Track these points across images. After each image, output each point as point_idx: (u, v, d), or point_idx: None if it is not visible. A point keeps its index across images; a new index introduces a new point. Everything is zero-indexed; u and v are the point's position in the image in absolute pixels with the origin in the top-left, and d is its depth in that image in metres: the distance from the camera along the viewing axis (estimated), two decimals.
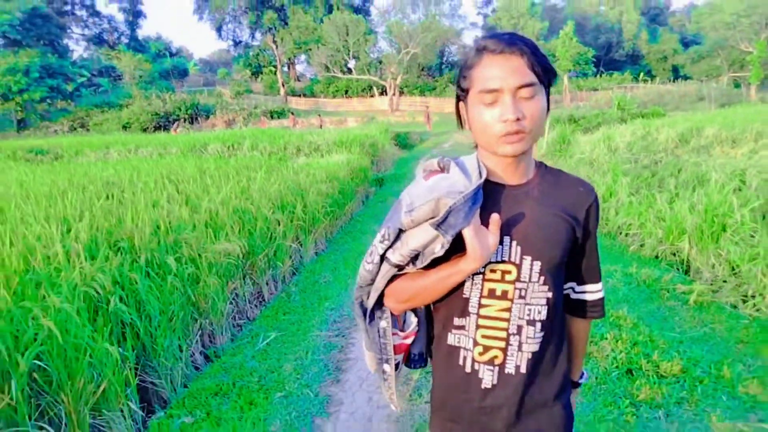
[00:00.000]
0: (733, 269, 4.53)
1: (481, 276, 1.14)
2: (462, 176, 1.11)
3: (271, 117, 37.27)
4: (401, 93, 44.57)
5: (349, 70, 46.62)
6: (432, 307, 1.26)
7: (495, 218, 1.05)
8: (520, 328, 1.14)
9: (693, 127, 13.06)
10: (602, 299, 1.31)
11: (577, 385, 1.41)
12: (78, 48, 54.62)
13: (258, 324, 4.26)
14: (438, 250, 1.08)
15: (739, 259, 4.41)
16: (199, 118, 36.60)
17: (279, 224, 5.46)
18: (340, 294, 4.87)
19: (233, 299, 4.38)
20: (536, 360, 1.16)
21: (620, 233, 6.21)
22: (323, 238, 6.99)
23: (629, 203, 6.41)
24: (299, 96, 48.45)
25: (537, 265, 1.12)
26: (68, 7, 51.78)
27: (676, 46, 56.92)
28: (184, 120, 35.45)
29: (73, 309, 2.72)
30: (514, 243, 1.12)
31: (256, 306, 4.74)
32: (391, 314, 1.26)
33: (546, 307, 1.15)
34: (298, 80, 58.24)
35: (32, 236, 3.41)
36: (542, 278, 1.13)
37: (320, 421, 2.83)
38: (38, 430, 2.52)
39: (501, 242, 1.11)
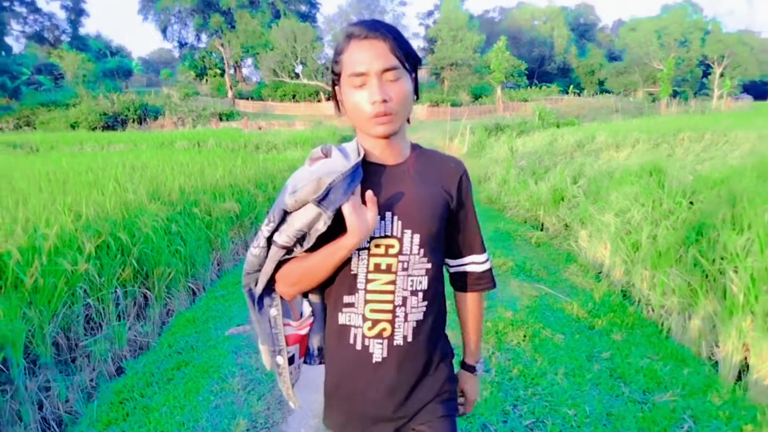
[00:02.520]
0: (565, 225, 6.93)
1: (366, 251, 1.18)
2: (342, 158, 1.17)
3: (220, 119, 38.34)
4: None
5: (297, 75, 48.16)
6: (324, 291, 1.28)
7: (369, 195, 1.13)
8: (405, 299, 1.20)
9: (589, 135, 15.89)
10: (489, 270, 1.35)
11: (471, 368, 1.41)
12: (17, 45, 53.04)
13: None
14: (321, 227, 1.12)
15: (568, 217, 6.81)
16: (147, 119, 37.27)
17: (258, 197, 7.47)
18: None
19: (232, 243, 6.39)
20: (420, 328, 1.23)
21: (506, 208, 8.61)
22: None
23: (513, 187, 8.84)
24: (247, 99, 49.59)
25: (417, 237, 1.19)
26: (7, 3, 50.70)
27: (602, 61, 61.53)
28: (133, 121, 36.06)
29: (156, 228, 4.69)
30: (395, 218, 1.18)
31: (245, 251, 6.73)
32: (283, 303, 1.28)
33: (426, 277, 1.22)
34: (245, 82, 59.21)
35: (111, 190, 5.30)
36: (422, 250, 1.20)
37: None
38: (140, 291, 4.46)
39: (383, 218, 1.17)
